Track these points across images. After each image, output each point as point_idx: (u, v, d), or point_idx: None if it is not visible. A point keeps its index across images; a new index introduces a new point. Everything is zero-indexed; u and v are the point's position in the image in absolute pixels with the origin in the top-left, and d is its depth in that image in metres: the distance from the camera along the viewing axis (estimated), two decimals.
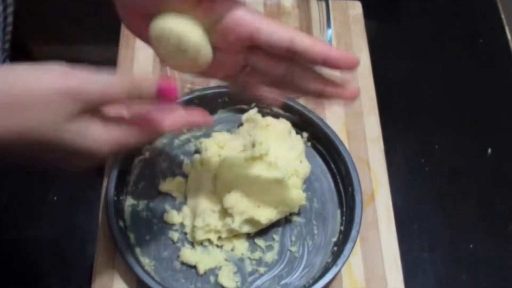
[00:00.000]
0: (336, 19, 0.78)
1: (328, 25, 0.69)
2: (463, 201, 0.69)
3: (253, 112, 0.67)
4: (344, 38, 0.77)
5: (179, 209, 0.63)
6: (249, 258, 0.61)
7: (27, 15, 0.78)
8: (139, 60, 0.71)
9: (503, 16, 0.83)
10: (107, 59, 0.74)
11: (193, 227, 0.61)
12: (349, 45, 0.77)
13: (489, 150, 0.73)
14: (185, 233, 0.62)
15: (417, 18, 0.83)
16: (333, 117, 0.71)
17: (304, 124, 0.67)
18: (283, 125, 0.66)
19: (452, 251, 0.66)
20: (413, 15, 0.84)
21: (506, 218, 0.68)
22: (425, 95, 0.77)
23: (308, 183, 0.66)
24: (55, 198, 0.65)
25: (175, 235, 0.62)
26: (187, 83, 0.68)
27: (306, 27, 0.78)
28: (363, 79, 0.74)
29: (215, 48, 0.46)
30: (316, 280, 0.58)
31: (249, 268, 0.61)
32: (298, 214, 0.64)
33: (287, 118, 0.67)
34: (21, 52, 0.77)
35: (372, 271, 0.62)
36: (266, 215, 0.60)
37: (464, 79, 0.79)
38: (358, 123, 0.71)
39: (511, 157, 0.73)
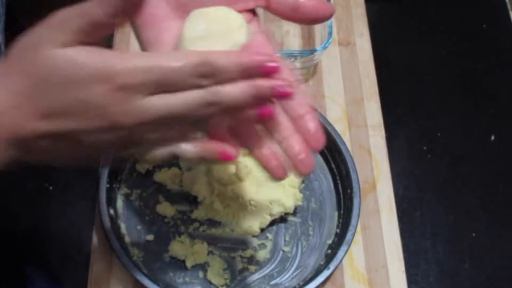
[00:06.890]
0: (337, 3, 0.77)
1: None
2: (466, 188, 0.68)
3: None
4: (345, 23, 0.76)
5: (172, 201, 0.62)
6: (240, 256, 0.60)
7: None
8: (134, 45, 0.70)
9: (507, 1, 0.82)
10: (102, 44, 0.73)
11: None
12: (350, 30, 0.76)
13: (492, 137, 0.72)
14: (177, 226, 0.61)
15: (419, 2, 0.82)
16: (334, 104, 0.70)
17: None
18: None
19: (454, 239, 0.65)
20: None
21: (509, 206, 0.68)
22: (427, 81, 0.76)
23: (308, 182, 0.65)
24: (51, 187, 0.64)
25: (166, 228, 0.61)
26: None
27: None
28: (364, 65, 0.73)
29: None
30: (306, 282, 0.57)
31: (239, 265, 0.60)
32: (294, 213, 0.63)
33: None
34: (14, 29, 0.76)
35: (373, 260, 0.61)
36: (257, 225, 0.60)
37: (467, 65, 0.78)
38: (359, 110, 0.70)
39: None
